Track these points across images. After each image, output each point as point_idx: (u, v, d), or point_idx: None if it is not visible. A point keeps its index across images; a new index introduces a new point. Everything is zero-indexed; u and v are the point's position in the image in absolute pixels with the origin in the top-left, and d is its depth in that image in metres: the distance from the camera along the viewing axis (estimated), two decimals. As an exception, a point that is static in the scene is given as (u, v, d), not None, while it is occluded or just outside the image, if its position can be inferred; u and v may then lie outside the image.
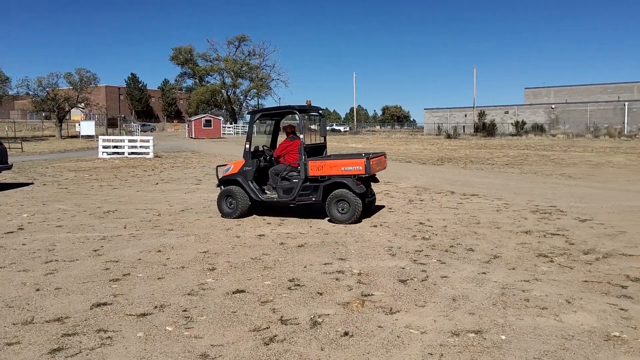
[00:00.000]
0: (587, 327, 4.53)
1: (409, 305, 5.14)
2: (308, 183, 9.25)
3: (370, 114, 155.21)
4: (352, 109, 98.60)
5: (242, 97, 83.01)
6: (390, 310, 5.00)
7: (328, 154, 10.71)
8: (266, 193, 9.68)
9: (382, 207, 10.91)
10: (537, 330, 4.49)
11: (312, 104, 9.97)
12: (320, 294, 5.48)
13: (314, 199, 9.25)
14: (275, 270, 6.38)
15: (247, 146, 9.74)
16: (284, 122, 11.18)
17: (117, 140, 28.86)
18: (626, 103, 59.44)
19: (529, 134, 54.31)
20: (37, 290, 5.68)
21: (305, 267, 6.50)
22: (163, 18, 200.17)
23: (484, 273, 6.18)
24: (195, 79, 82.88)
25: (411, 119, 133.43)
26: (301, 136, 9.44)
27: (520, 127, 57.12)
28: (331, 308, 5.06)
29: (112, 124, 51.22)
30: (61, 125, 52.22)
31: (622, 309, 4.96)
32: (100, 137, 28.62)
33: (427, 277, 6.05)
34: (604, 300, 5.21)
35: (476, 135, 57.19)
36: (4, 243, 7.91)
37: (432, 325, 4.61)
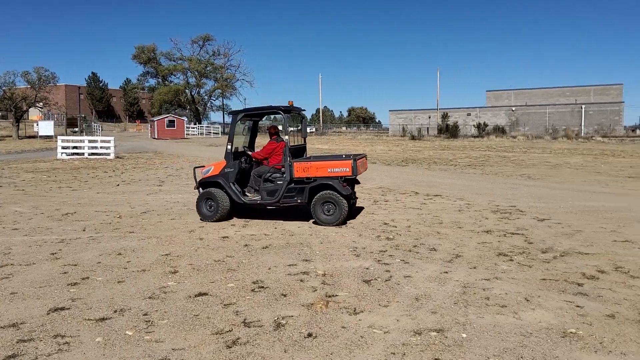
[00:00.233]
0: (544, 324, 4.65)
1: (372, 305, 5.17)
2: (293, 185, 9.16)
3: (337, 115, 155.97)
4: (318, 110, 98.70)
5: (206, 97, 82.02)
6: (354, 310, 5.02)
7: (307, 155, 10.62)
8: (247, 195, 9.52)
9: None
10: (497, 328, 4.58)
11: (293, 105, 9.77)
12: (284, 295, 5.46)
13: (299, 200, 9.15)
14: (239, 272, 6.32)
15: (229, 147, 9.49)
16: (268, 123, 11.07)
17: (76, 141, 28.10)
18: (583, 106, 61.48)
19: (490, 135, 55.52)
20: (-10, 296, 5.48)
21: (269, 268, 6.46)
22: (125, 16, 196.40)
23: (446, 272, 6.27)
24: (158, 78, 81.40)
25: (377, 121, 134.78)
26: (286, 137, 9.37)
27: (482, 129, 58.34)
28: (295, 309, 5.04)
29: (71, 124, 49.86)
30: (18, 125, 50.48)
31: (578, 306, 5.10)
32: (59, 137, 27.82)
33: (391, 277, 6.10)
34: (561, 298, 5.35)
35: (440, 136, 58.11)
36: (-46, 247, 7.59)
37: (395, 325, 4.65)
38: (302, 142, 10.37)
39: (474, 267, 6.48)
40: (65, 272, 6.33)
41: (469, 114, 67.27)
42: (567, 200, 12.00)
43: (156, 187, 14.87)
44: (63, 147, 25.92)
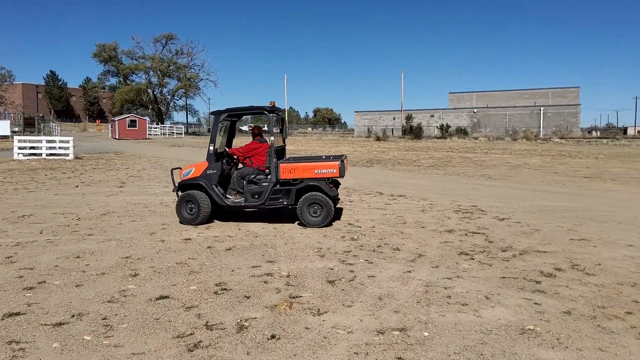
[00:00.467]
0: (504, 322, 4.75)
1: (336, 305, 5.17)
2: (278, 186, 9.06)
3: (302, 115, 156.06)
4: (283, 111, 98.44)
5: (169, 97, 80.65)
6: (318, 311, 5.01)
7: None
8: (229, 197, 9.34)
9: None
10: (458, 326, 4.65)
11: (275, 105, 9.60)
12: (248, 297, 5.41)
13: (285, 202, 9.05)
14: (202, 274, 6.23)
15: (212, 148, 9.24)
16: (250, 124, 10.87)
17: (34, 141, 27.23)
18: (541, 108, 63.27)
19: (453, 136, 56.52)
20: (-62, 302, 5.24)
21: (232, 270, 6.39)
22: (86, 13, 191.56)
23: (409, 272, 6.34)
24: (120, 77, 79.56)
25: (342, 122, 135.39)
26: (272, 138, 9.28)
27: (445, 130, 59.36)
28: (258, 311, 5.00)
29: (29, 124, 48.29)
30: (-29, 125, 48.61)
31: (536, 303, 5.23)
32: (15, 137, 26.89)
33: (355, 277, 6.12)
34: (520, 295, 5.48)
35: (404, 137, 58.82)
36: None
37: (359, 325, 4.66)
38: (282, 144, 10.27)
39: (436, 266, 6.57)
40: (20, 276, 6.11)
41: (432, 116, 68.32)
42: (526, 200, 12.31)
43: (117, 188, 14.54)
44: (20, 148, 25.06)
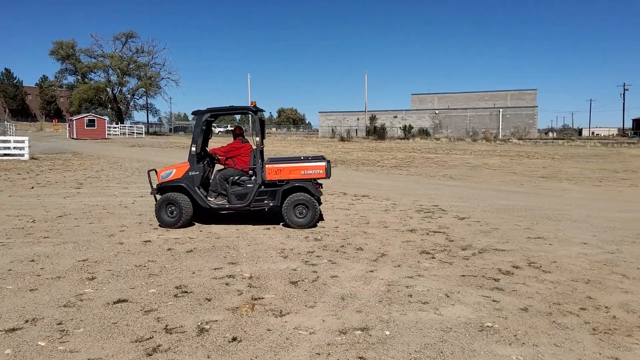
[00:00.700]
0: (463, 319, 4.83)
1: (298, 306, 5.16)
2: (263, 188, 8.95)
3: (266, 116, 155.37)
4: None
5: (129, 96, 78.95)
6: (280, 312, 4.98)
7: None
8: (210, 199, 9.13)
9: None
10: (418, 324, 4.70)
11: (256, 105, 9.40)
12: (209, 300, 5.33)
13: (271, 204, 8.96)
14: (161, 277, 6.11)
15: (194, 149, 9.00)
16: (232, 124, 10.58)
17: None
18: (500, 110, 64.83)
19: (415, 137, 57.32)
20: None
21: (193, 273, 6.29)
22: (42, 9, 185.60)
23: (372, 271, 6.38)
24: (78, 75, 77.34)
25: (307, 122, 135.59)
26: (257, 139, 9.14)
27: (407, 131, 60.13)
28: (219, 314, 4.94)
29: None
30: None
31: (494, 301, 5.34)
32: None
33: (318, 277, 6.12)
34: (479, 293, 5.59)
35: (368, 138, 59.27)
36: None
37: (321, 325, 4.66)
38: (261, 144, 10.12)
39: (398, 266, 6.63)
40: (-31, 282, 5.86)
41: (395, 117, 69.09)
42: (486, 200, 12.58)
43: (74, 189, 14.14)
44: (-30, 148, 24.08)
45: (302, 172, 8.96)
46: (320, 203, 9.52)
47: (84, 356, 4.03)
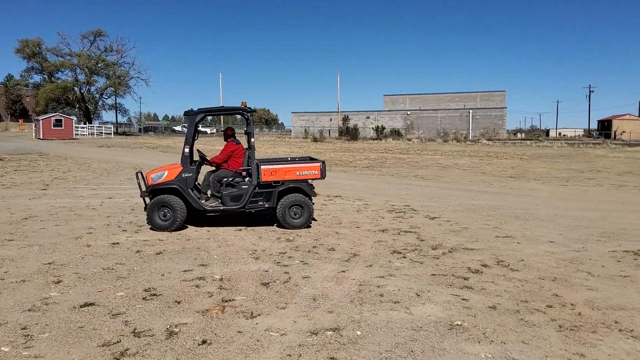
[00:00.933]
0: (433, 318, 4.87)
1: (270, 308, 5.13)
2: (258, 189, 8.86)
3: (238, 116, 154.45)
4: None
5: (97, 95, 77.33)
6: (251, 314, 4.94)
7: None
8: (203, 202, 8.94)
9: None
10: (389, 323, 4.72)
11: (247, 106, 9.26)
12: (178, 302, 5.25)
13: (266, 205, 8.89)
14: (130, 280, 5.99)
15: (187, 150, 8.82)
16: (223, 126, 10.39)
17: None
18: (470, 111, 65.79)
19: (388, 138, 57.74)
20: None
21: (163, 275, 6.19)
22: (7, 7, 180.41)
23: (344, 271, 6.39)
24: (44, 74, 75.45)
25: (279, 122, 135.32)
26: (252, 140, 9.03)
27: (380, 132, 60.53)
28: (189, 316, 4.87)
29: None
30: None
31: (464, 299, 5.41)
32: None
33: (290, 278, 6.09)
34: (449, 292, 5.65)
35: (341, 138, 59.45)
36: None
37: (292, 327, 4.64)
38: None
39: (370, 265, 6.66)
40: None
41: (368, 117, 69.45)
42: (456, 199, 12.74)
43: (40, 191, 13.79)
44: None
45: (298, 173, 8.99)
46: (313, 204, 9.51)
47: (48, 362, 3.93)
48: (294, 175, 8.99)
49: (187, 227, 9.02)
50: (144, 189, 9.02)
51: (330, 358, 4.02)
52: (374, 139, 57.59)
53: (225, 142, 9.54)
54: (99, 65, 74.19)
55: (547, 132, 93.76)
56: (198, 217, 9.67)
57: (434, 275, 6.27)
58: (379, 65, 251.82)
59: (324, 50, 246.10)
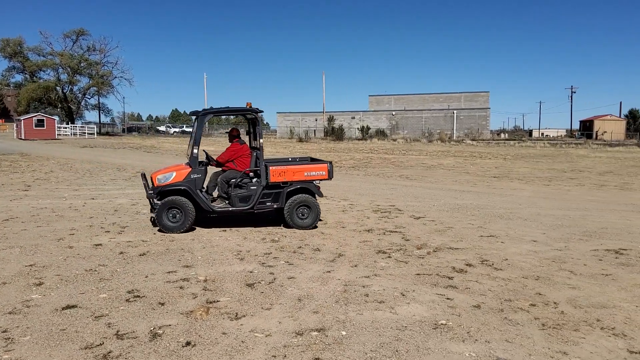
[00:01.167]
0: (418, 318, 4.89)
1: (255, 308, 5.10)
2: (266, 190, 8.83)
3: (223, 117, 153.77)
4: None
5: (80, 95, 76.36)
6: (236, 315, 4.92)
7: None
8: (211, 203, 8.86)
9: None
10: (375, 323, 4.73)
11: (252, 106, 9.21)
12: (162, 304, 5.21)
13: (274, 205, 8.87)
14: (113, 281, 5.93)
15: (195, 151, 8.71)
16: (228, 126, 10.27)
17: None
18: (455, 111, 66.27)
19: (373, 138, 57.89)
20: None
21: (146, 276, 6.13)
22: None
23: (329, 272, 6.38)
24: (26, 74, 74.34)
25: (264, 122, 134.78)
26: (261, 140, 8.98)
27: (365, 132, 60.66)
28: (173, 318, 4.83)
29: None
30: None
31: (448, 299, 5.44)
32: None
33: (275, 279, 6.07)
34: (434, 291, 5.67)
35: (326, 139, 59.45)
36: None
37: (277, 327, 4.62)
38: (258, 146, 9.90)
39: (355, 265, 6.67)
40: None
41: (353, 118, 69.57)
42: (440, 199, 12.82)
43: (21, 192, 13.58)
44: None
45: (306, 174, 9.02)
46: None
47: (29, 366, 3.87)
48: (302, 176, 9.02)
49: (195, 228, 8.94)
50: (150, 190, 8.87)
51: (316, 358, 4.01)
52: (359, 139, 57.70)
53: (230, 143, 9.48)
54: (82, 64, 73.25)
55: (530, 133, 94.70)
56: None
57: (418, 274, 6.30)
58: (365, 65, 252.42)
59: (309, 50, 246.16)
